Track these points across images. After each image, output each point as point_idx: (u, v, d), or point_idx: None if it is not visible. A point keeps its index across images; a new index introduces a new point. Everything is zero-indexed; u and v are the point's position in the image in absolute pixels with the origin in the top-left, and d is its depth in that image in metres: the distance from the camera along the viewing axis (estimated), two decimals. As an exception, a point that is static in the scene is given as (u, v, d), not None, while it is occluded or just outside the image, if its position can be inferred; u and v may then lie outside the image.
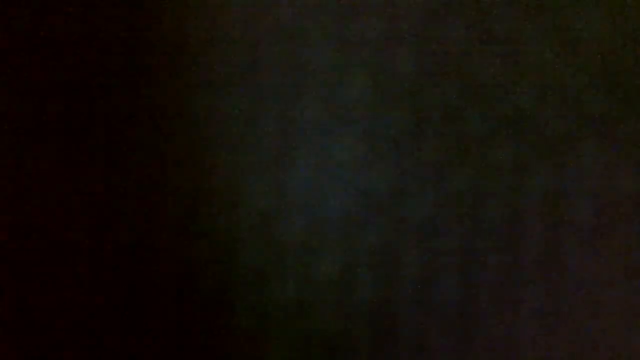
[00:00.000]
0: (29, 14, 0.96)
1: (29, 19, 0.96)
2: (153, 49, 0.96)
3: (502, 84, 0.96)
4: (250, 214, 0.97)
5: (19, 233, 0.97)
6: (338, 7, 0.96)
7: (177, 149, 0.97)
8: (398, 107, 0.96)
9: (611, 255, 0.97)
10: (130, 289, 0.97)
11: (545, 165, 0.96)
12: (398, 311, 0.97)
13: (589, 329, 0.97)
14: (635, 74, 0.96)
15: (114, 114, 0.97)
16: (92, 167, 0.97)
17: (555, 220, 0.97)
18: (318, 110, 0.96)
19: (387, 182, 0.97)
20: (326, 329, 0.97)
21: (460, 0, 0.96)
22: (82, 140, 0.97)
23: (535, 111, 0.96)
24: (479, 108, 0.96)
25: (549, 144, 0.96)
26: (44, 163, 0.97)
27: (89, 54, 0.96)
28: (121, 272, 0.97)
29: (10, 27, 0.96)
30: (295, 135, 0.97)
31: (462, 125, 0.96)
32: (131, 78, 0.96)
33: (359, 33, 0.96)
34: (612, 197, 0.97)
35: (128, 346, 0.97)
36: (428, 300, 0.97)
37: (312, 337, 0.97)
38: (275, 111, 0.96)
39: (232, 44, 0.97)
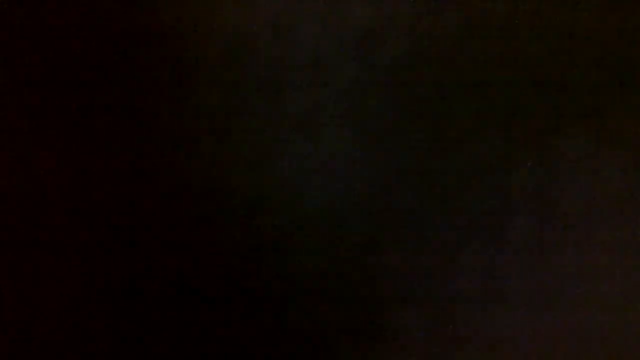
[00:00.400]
0: (28, 11, 0.96)
1: (29, 16, 0.96)
2: (144, 43, 0.96)
3: (494, 77, 0.95)
4: (234, 206, 0.97)
5: (25, 232, 0.98)
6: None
7: (164, 141, 0.97)
8: (387, 98, 0.96)
9: (599, 249, 0.96)
10: (126, 283, 0.98)
11: (534, 159, 0.95)
12: (382, 307, 0.97)
13: (576, 323, 0.97)
14: (630, 67, 0.95)
15: (100, 107, 0.97)
16: (83, 160, 0.97)
17: (543, 214, 0.96)
18: (305, 102, 0.96)
19: (372, 174, 0.96)
20: (310, 324, 0.98)
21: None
22: (75, 134, 0.97)
23: (526, 104, 0.95)
24: (469, 100, 0.95)
25: (538, 138, 0.95)
26: (46, 161, 0.97)
27: (79, 48, 0.96)
28: (118, 264, 0.98)
29: (10, 24, 0.96)
30: (281, 127, 0.96)
31: (451, 118, 0.95)
32: (120, 72, 0.96)
33: (348, 23, 0.95)
34: (602, 191, 0.96)
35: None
36: (412, 293, 0.97)
37: (293, 329, 0.98)
38: (261, 103, 0.96)
39: (219, 35, 0.96)
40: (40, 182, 0.97)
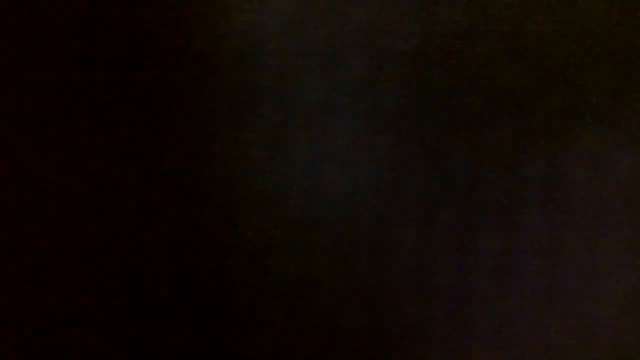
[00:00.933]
0: (31, 11, 0.96)
1: (31, 16, 0.96)
2: (149, 39, 0.96)
3: (503, 66, 0.95)
4: (247, 193, 0.96)
5: (34, 232, 0.97)
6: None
7: (175, 134, 0.96)
8: (397, 87, 0.96)
9: (609, 240, 0.97)
10: (132, 283, 0.97)
11: (545, 149, 0.96)
12: (394, 295, 0.97)
13: (587, 315, 0.97)
14: (638, 58, 0.96)
15: (110, 106, 0.96)
16: (89, 161, 0.97)
17: (553, 204, 0.96)
18: (317, 90, 0.96)
19: (383, 162, 0.96)
20: (327, 307, 0.97)
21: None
22: (83, 136, 0.96)
23: (536, 93, 0.96)
24: (480, 89, 0.95)
25: (548, 128, 0.96)
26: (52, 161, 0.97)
27: (89, 49, 0.96)
28: (122, 265, 0.97)
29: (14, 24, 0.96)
30: (294, 114, 0.96)
31: (462, 107, 0.96)
32: (131, 69, 0.96)
33: (357, 13, 0.95)
34: (612, 183, 0.96)
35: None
36: (424, 283, 0.97)
37: (313, 312, 0.97)
38: (274, 91, 0.96)
39: (231, 26, 0.96)
40: (45, 183, 0.97)
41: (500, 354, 0.97)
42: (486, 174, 0.96)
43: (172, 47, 0.96)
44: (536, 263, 0.97)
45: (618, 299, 0.97)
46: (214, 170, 0.96)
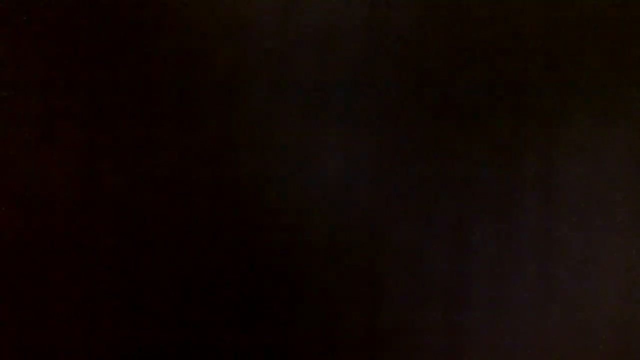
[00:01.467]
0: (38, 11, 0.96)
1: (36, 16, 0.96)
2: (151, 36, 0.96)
3: (502, 52, 0.95)
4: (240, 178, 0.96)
5: (43, 231, 0.96)
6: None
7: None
8: (395, 71, 0.95)
9: (602, 232, 0.97)
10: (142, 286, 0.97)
11: (539, 141, 0.96)
12: (389, 281, 0.97)
13: (581, 305, 0.97)
14: (636, 46, 0.96)
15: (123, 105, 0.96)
16: (106, 162, 0.96)
17: (547, 195, 0.96)
18: (312, 70, 0.96)
19: (378, 150, 0.96)
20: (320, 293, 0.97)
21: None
22: (99, 136, 0.96)
23: (534, 82, 0.96)
24: (477, 76, 0.95)
25: (544, 118, 0.96)
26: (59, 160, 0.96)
27: (100, 49, 0.96)
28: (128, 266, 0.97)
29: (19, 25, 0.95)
30: (288, 95, 0.96)
31: (460, 94, 0.95)
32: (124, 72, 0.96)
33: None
34: (605, 176, 0.96)
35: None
36: (420, 273, 0.96)
37: (303, 304, 0.97)
38: (266, 71, 0.96)
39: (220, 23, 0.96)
40: (51, 184, 0.97)
41: (497, 351, 0.97)
42: (481, 163, 0.96)
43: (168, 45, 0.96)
44: (532, 258, 0.97)
45: (611, 289, 0.97)
46: (210, 168, 0.96)
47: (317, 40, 0.96)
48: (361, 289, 0.97)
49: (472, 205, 0.96)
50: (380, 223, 0.96)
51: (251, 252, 0.96)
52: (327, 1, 0.95)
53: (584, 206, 0.97)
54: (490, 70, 0.96)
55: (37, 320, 0.96)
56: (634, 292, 0.97)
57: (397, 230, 0.96)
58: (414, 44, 0.96)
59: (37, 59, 0.96)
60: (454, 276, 0.96)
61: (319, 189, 0.96)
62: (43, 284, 0.96)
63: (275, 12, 0.96)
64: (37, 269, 0.96)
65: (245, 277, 0.96)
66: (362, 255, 0.96)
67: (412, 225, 0.96)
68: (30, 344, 0.96)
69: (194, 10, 0.96)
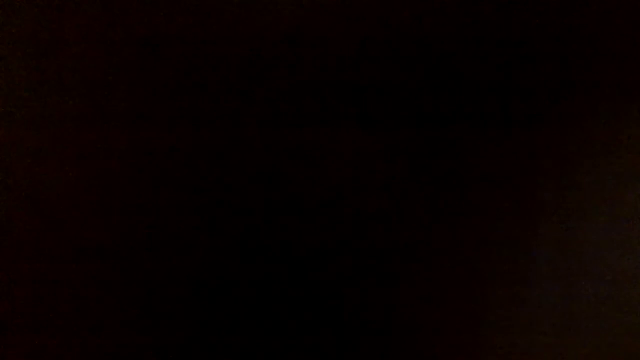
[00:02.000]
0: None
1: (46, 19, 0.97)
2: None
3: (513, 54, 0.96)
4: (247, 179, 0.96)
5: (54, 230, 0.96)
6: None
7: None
8: (399, 55, 0.95)
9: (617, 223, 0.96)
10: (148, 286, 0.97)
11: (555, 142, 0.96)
12: (401, 283, 0.96)
13: (602, 306, 0.96)
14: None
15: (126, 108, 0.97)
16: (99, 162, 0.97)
17: (563, 195, 0.96)
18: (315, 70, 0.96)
19: (385, 136, 0.95)
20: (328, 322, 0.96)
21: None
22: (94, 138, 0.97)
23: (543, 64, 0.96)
24: (485, 59, 0.95)
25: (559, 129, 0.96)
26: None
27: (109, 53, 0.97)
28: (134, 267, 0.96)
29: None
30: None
31: (467, 77, 0.95)
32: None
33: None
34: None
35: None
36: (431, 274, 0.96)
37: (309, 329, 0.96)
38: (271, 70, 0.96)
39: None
40: (57, 185, 0.96)
41: (509, 347, 0.96)
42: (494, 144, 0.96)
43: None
44: (546, 260, 0.96)
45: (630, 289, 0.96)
46: (206, 169, 0.96)
47: (318, 40, 0.96)
48: (372, 290, 0.96)
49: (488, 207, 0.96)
50: (393, 210, 0.96)
51: (258, 253, 0.96)
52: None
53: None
54: (502, 71, 0.96)
55: (41, 321, 0.96)
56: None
57: (407, 232, 0.96)
58: (422, 42, 0.96)
59: (49, 62, 0.96)
60: (468, 276, 0.96)
61: (327, 190, 0.96)
62: (45, 285, 0.96)
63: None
64: (42, 270, 0.96)
65: (253, 278, 0.96)
66: (373, 256, 0.96)
67: (421, 225, 0.96)
68: (35, 344, 0.96)
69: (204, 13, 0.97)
